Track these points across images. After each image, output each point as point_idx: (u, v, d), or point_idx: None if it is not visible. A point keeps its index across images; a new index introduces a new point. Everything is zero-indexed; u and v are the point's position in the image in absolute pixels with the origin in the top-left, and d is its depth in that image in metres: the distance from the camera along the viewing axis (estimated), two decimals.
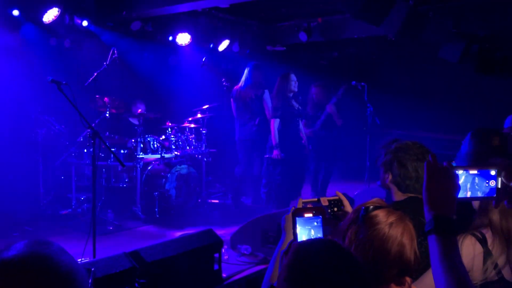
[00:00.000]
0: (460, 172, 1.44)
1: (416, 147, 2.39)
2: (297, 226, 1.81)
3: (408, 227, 1.66)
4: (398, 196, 2.40)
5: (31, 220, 5.71)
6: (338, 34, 7.84)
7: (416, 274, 1.62)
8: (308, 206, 2.09)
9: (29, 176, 6.11)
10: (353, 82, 6.81)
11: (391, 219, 1.64)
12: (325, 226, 1.86)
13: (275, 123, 6.11)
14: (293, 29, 8.01)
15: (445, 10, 6.42)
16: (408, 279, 1.62)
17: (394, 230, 1.62)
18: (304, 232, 1.82)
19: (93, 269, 0.95)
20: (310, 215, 1.84)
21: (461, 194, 1.43)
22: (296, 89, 6.18)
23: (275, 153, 6.04)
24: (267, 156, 6.32)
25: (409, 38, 6.69)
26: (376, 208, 1.69)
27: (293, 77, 6.16)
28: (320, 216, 1.84)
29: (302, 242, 1.37)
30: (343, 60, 9.40)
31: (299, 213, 1.84)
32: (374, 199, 1.78)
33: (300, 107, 6.28)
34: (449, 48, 6.47)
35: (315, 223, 1.83)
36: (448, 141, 7.17)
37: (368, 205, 1.72)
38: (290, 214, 1.99)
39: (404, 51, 8.11)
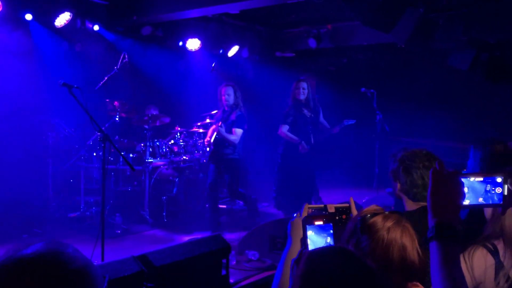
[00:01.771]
0: (465, 179, 1.43)
1: (423, 154, 2.38)
2: (309, 234, 1.80)
3: (406, 228, 1.64)
4: (410, 205, 2.39)
5: (40, 222, 5.75)
6: (347, 40, 7.84)
7: (425, 277, 1.59)
8: (311, 212, 2.08)
9: (38, 179, 6.15)
10: (362, 89, 6.80)
11: (389, 223, 1.64)
12: (340, 233, 1.86)
13: (283, 129, 6.11)
14: (303, 35, 8.03)
15: (455, 18, 6.39)
16: (418, 284, 1.61)
17: (392, 234, 1.61)
18: (317, 239, 1.81)
19: (107, 275, 0.97)
20: (321, 222, 1.83)
21: (466, 202, 1.42)
22: (302, 97, 6.14)
23: (301, 147, 6.04)
24: (278, 161, 6.32)
25: (418, 45, 6.68)
26: (372, 216, 1.68)
27: (301, 84, 6.14)
28: (331, 224, 1.84)
29: (314, 250, 1.35)
30: (352, 67, 9.39)
31: (309, 220, 1.83)
32: (370, 207, 1.77)
33: (312, 115, 6.24)
34: (459, 55, 6.46)
35: (330, 231, 1.82)
36: (458, 149, 7.13)
37: (364, 213, 1.71)
38: (296, 220, 1.98)
39: (414, 59, 8.10)
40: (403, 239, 1.61)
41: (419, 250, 1.62)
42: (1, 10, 5.45)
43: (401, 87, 8.69)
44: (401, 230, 1.62)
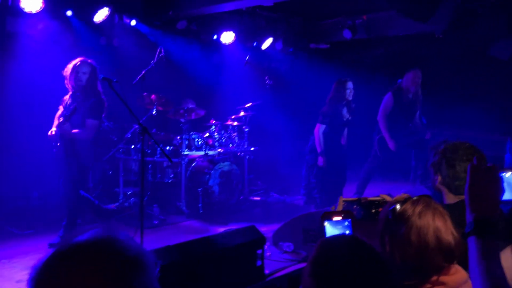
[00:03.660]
0: (505, 174, 1.40)
1: (465, 147, 2.34)
2: (328, 228, 1.84)
3: (437, 210, 1.65)
4: (450, 198, 2.36)
5: (80, 213, 5.93)
6: (383, 31, 7.71)
7: (462, 257, 1.59)
8: (345, 205, 2.10)
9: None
10: (399, 80, 6.68)
11: (418, 208, 1.64)
12: (357, 227, 1.88)
13: (320, 129, 6.04)
14: (337, 27, 7.95)
15: (496, 6, 6.18)
16: (457, 266, 1.61)
17: (424, 218, 1.61)
18: (335, 232, 1.84)
19: (159, 262, 1.00)
20: (339, 218, 1.86)
21: (506, 197, 1.40)
22: (350, 98, 6.04)
23: (320, 160, 6.00)
24: (307, 158, 6.29)
25: (457, 35, 6.51)
26: (402, 204, 1.68)
27: (349, 85, 5.98)
28: (350, 219, 1.86)
29: (326, 238, 1.38)
30: (389, 58, 9.22)
31: (328, 216, 1.87)
32: (399, 196, 1.77)
33: (350, 117, 6.14)
34: (500, 45, 6.25)
35: (346, 223, 1.85)
36: (496, 142, 6.93)
37: (393, 203, 1.71)
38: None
39: (453, 49, 7.88)
40: (436, 221, 1.61)
41: (453, 230, 1.62)
42: (43, 8, 5.64)
43: (439, 78, 8.47)
44: (432, 213, 1.62)
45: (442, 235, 1.59)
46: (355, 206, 2.14)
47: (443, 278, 1.58)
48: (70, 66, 4.82)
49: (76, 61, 4.82)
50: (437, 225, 1.60)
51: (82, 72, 4.77)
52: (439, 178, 2.38)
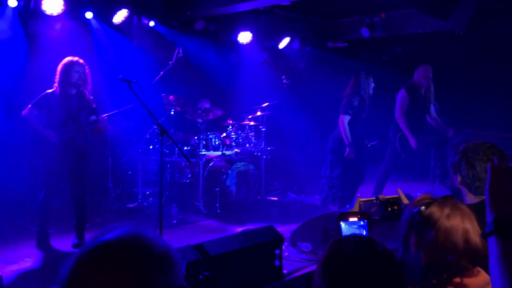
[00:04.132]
0: None
1: (486, 147, 2.30)
2: (344, 228, 1.84)
3: (465, 211, 1.64)
4: (470, 198, 2.33)
5: (101, 212, 6.03)
6: (402, 29, 7.63)
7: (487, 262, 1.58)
8: (351, 210, 2.10)
9: (99, 171, 6.43)
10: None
11: (446, 210, 1.62)
12: (374, 227, 1.88)
13: (344, 119, 5.92)
14: (355, 25, 7.89)
15: None
16: (479, 268, 1.59)
17: (453, 220, 1.60)
18: (351, 233, 1.84)
19: (184, 261, 1.01)
20: (355, 219, 1.85)
21: None
22: (371, 92, 6.04)
23: (348, 151, 5.90)
24: (329, 157, 6.22)
25: (478, 32, 6.40)
26: (427, 206, 1.66)
27: (371, 79, 6.03)
28: (366, 220, 1.85)
29: (338, 238, 1.37)
30: (407, 56, 9.13)
31: (344, 217, 1.86)
32: (421, 196, 1.75)
33: (365, 114, 6.10)
34: None
35: (361, 223, 1.85)
36: None
37: (417, 205, 1.69)
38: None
39: (473, 46, 7.76)
40: (464, 223, 1.60)
41: (480, 232, 1.61)
42: (64, 10, 5.73)
43: (459, 76, 8.36)
44: (460, 215, 1.61)
45: (471, 237, 1.59)
46: (372, 205, 2.13)
47: (466, 280, 1.57)
48: (62, 65, 4.84)
49: (68, 60, 4.85)
50: (466, 227, 1.60)
51: (75, 71, 4.82)
52: (459, 178, 2.35)
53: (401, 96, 6.21)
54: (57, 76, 4.84)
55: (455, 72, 8.38)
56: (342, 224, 1.86)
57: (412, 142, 6.17)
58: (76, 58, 4.87)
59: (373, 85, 6.04)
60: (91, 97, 4.96)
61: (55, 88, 4.86)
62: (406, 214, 1.73)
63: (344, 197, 6.06)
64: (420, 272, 1.60)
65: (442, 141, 6.38)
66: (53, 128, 4.81)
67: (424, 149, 6.55)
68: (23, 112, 4.80)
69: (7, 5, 5.52)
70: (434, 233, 1.60)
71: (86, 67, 4.90)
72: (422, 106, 6.31)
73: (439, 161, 6.59)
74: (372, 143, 6.29)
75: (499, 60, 7.46)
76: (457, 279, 1.57)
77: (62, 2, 5.66)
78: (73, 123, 4.88)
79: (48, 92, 4.85)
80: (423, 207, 1.66)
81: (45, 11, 5.64)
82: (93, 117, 4.92)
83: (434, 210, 1.64)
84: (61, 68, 4.83)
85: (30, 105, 4.79)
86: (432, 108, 6.44)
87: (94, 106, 4.97)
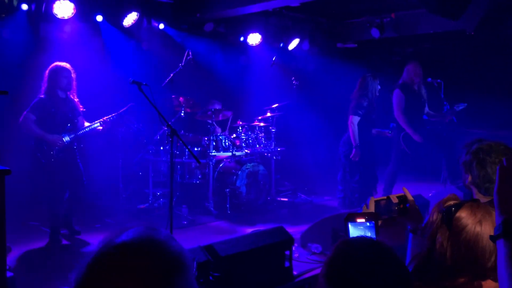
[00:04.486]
0: None
1: (500, 149, 2.28)
2: (351, 230, 1.84)
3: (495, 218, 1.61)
4: (480, 198, 2.31)
5: (112, 213, 6.06)
6: (412, 29, 7.60)
7: None
8: (375, 204, 2.10)
9: (110, 172, 6.48)
10: (429, 79, 6.56)
11: (478, 216, 1.60)
12: (382, 228, 1.87)
13: (354, 120, 5.91)
14: (365, 25, 7.87)
15: None
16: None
17: (485, 226, 1.58)
18: (357, 234, 1.83)
19: (196, 257, 1.02)
20: (363, 220, 1.85)
21: None
22: (377, 94, 6.05)
23: (354, 153, 5.89)
24: (343, 162, 6.18)
25: (489, 32, 6.35)
26: (457, 207, 1.64)
27: (377, 81, 6.04)
28: (373, 222, 1.85)
29: (344, 239, 1.36)
30: (418, 56, 9.07)
31: (351, 218, 1.86)
32: (449, 197, 1.73)
33: (374, 114, 6.10)
34: None
35: (368, 224, 1.84)
36: None
37: (447, 205, 1.68)
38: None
39: (484, 46, 7.70)
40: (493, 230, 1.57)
41: None
42: (75, 13, 5.79)
43: (470, 76, 8.29)
44: (491, 221, 1.58)
45: None
46: (382, 205, 2.14)
47: (485, 284, 1.55)
48: (50, 71, 5.01)
49: (55, 65, 5.02)
50: None
51: (63, 76, 5.00)
52: (469, 178, 2.33)
53: (397, 95, 6.22)
54: (45, 82, 5.01)
55: (466, 71, 8.31)
56: (350, 226, 1.86)
57: (416, 137, 6.20)
58: (63, 64, 5.04)
59: (378, 87, 6.02)
60: (76, 99, 5.21)
61: (44, 94, 5.00)
62: (433, 215, 1.72)
63: (362, 200, 6.04)
64: (443, 273, 1.59)
65: (451, 143, 6.36)
66: (53, 132, 4.98)
67: (432, 148, 6.53)
68: (20, 119, 4.91)
69: (20, 9, 5.60)
70: (464, 236, 1.58)
71: (73, 72, 5.08)
72: (417, 103, 6.34)
73: (447, 162, 6.57)
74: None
75: (510, 59, 7.38)
76: (478, 283, 1.56)
77: (73, 6, 5.73)
78: (71, 126, 5.13)
79: (41, 97, 5.00)
80: (453, 208, 1.65)
81: (56, 14, 5.70)
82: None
83: (466, 213, 1.62)
84: (49, 74, 5.00)
85: (25, 112, 4.91)
86: (426, 104, 6.45)
87: (82, 109, 5.26)
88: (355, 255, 1.24)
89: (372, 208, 2.10)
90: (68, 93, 5.11)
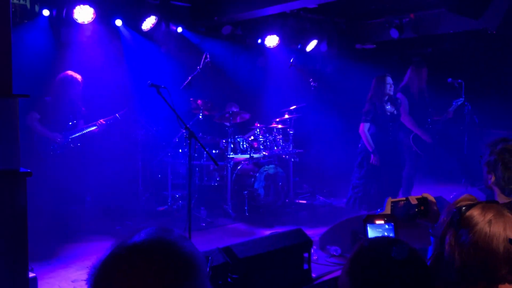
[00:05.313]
0: None
1: None
2: (370, 231, 1.83)
3: (509, 219, 1.55)
4: (502, 198, 2.27)
5: (131, 215, 6.12)
6: (432, 29, 7.50)
7: None
8: (393, 205, 2.09)
9: (130, 174, 6.55)
10: (449, 79, 6.47)
11: (489, 216, 1.55)
12: (401, 229, 1.85)
13: (364, 127, 5.91)
14: (384, 26, 7.80)
15: None
16: None
17: (495, 227, 1.52)
18: (376, 235, 1.81)
19: (210, 257, 1.02)
20: (382, 222, 1.84)
21: None
22: (391, 93, 5.94)
23: (372, 158, 5.84)
24: (358, 158, 6.13)
25: (511, 30, 6.23)
26: (469, 207, 1.61)
27: (388, 79, 5.88)
28: (392, 223, 1.83)
29: (368, 238, 1.36)
30: (438, 56, 8.95)
31: (370, 220, 1.85)
32: (464, 197, 1.70)
33: (395, 111, 6.01)
34: None
35: (387, 226, 1.83)
36: None
37: (459, 205, 1.64)
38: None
39: (506, 45, 7.55)
40: (507, 231, 1.52)
41: None
42: (94, 18, 5.87)
43: (492, 76, 8.13)
44: (503, 222, 1.53)
45: None
46: (401, 206, 2.12)
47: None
48: (61, 80, 5.44)
49: (67, 74, 5.45)
50: (509, 235, 1.51)
51: (73, 87, 5.45)
52: (493, 178, 2.28)
53: (400, 98, 6.17)
54: (55, 86, 5.42)
55: (487, 71, 8.16)
56: (368, 227, 1.85)
57: (425, 137, 6.18)
58: (75, 75, 5.44)
59: (388, 85, 5.86)
60: (80, 102, 5.64)
61: (49, 96, 5.43)
62: (446, 214, 1.69)
63: (365, 198, 5.96)
64: (455, 276, 1.56)
65: (465, 144, 6.32)
66: (54, 131, 5.41)
67: (442, 148, 6.48)
68: (26, 118, 5.26)
69: (41, 14, 5.71)
70: (472, 236, 1.54)
71: (82, 82, 5.51)
72: (422, 105, 6.30)
73: (460, 165, 6.51)
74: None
75: None
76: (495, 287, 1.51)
77: (93, 11, 5.81)
78: (72, 126, 5.54)
79: (45, 99, 5.42)
80: (464, 208, 1.61)
81: (76, 19, 5.80)
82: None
83: (476, 213, 1.57)
84: (60, 81, 5.42)
85: (30, 112, 5.30)
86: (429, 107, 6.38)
87: (83, 109, 5.69)
88: (378, 253, 1.26)
89: (388, 209, 2.08)
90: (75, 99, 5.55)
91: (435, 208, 2.08)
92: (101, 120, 5.67)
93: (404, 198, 2.15)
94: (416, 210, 2.09)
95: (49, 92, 5.47)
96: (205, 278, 0.99)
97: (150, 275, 0.92)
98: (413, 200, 2.12)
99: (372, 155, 5.85)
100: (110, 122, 5.76)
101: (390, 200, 2.13)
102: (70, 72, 5.44)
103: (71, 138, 5.51)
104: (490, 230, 1.52)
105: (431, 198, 2.11)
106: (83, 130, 5.62)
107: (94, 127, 5.66)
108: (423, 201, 2.11)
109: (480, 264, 1.51)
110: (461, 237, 1.57)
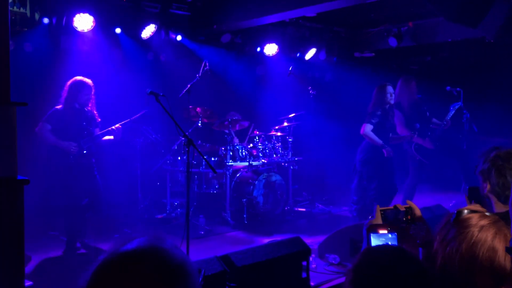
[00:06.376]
0: None
1: None
2: (373, 241, 1.82)
3: (502, 231, 1.53)
4: (499, 207, 2.26)
5: (130, 223, 6.11)
6: (430, 38, 7.53)
7: None
8: (382, 213, 2.09)
9: (128, 182, 6.54)
10: (448, 88, 6.49)
11: (483, 222, 1.55)
12: (403, 240, 1.85)
13: (367, 128, 5.88)
14: (382, 35, 7.84)
15: None
16: None
17: (484, 233, 1.51)
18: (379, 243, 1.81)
19: (203, 269, 1.02)
20: (385, 231, 1.83)
21: None
22: (392, 102, 5.97)
23: (385, 151, 5.83)
24: (359, 170, 6.12)
25: (509, 39, 6.25)
26: (470, 212, 1.61)
27: (389, 89, 5.94)
28: (395, 233, 1.83)
29: (371, 247, 1.36)
30: (436, 65, 8.99)
31: (373, 229, 1.84)
32: (473, 205, 1.70)
33: (391, 121, 6.05)
34: None
35: (390, 236, 1.83)
36: None
37: (464, 209, 1.64)
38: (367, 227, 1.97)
39: (504, 54, 7.58)
40: (495, 241, 1.51)
41: None
42: (94, 26, 5.90)
43: (490, 84, 8.17)
44: (494, 232, 1.52)
45: (497, 257, 1.48)
46: (389, 214, 2.12)
47: None
48: (72, 84, 5.14)
49: (79, 79, 5.15)
50: (495, 245, 1.50)
51: (85, 93, 5.15)
52: (488, 186, 2.28)
53: (395, 114, 6.19)
54: (65, 92, 5.14)
55: (486, 79, 8.19)
56: (371, 236, 1.85)
57: (427, 144, 6.19)
58: (86, 80, 5.18)
59: (389, 94, 5.93)
60: (95, 111, 5.33)
61: (61, 104, 5.15)
62: (447, 216, 1.69)
63: (371, 212, 5.95)
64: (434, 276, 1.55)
65: (466, 152, 6.31)
66: (67, 140, 5.10)
67: (445, 156, 6.48)
68: (36, 128, 5.07)
69: (41, 22, 5.73)
70: (459, 236, 1.53)
71: (93, 88, 5.23)
72: (418, 115, 6.32)
73: (463, 173, 6.51)
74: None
75: None
76: None
77: (92, 19, 5.84)
78: (87, 134, 5.22)
79: (57, 108, 5.14)
80: (466, 211, 1.61)
81: (76, 27, 5.82)
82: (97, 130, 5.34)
83: (472, 217, 1.58)
84: (71, 87, 5.13)
85: (41, 122, 5.07)
86: (427, 113, 6.37)
87: (99, 120, 5.37)
88: (381, 261, 1.26)
89: (378, 218, 2.08)
90: (86, 106, 5.25)
91: (421, 218, 2.08)
92: (117, 125, 5.39)
93: (392, 207, 2.16)
94: (404, 218, 2.10)
95: (58, 101, 5.19)
96: (196, 287, 1.00)
97: (141, 282, 0.92)
98: (401, 208, 2.13)
99: (384, 150, 5.84)
100: (126, 125, 5.50)
101: (378, 208, 2.13)
102: (80, 77, 5.16)
103: (88, 146, 5.20)
104: (477, 236, 1.52)
105: (416, 208, 2.12)
106: (99, 136, 5.31)
107: (111, 136, 5.36)
108: (410, 209, 2.12)
109: (459, 266, 1.50)
110: (449, 234, 1.56)
